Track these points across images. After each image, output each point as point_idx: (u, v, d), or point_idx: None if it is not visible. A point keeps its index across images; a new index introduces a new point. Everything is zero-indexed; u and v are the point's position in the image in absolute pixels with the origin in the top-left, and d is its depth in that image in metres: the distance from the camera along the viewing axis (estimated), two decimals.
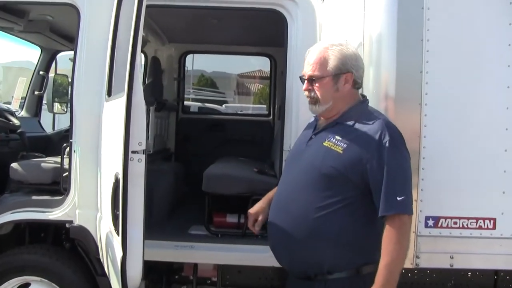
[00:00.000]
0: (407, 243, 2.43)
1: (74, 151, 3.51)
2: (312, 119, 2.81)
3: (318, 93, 2.58)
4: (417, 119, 3.14)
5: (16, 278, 3.69)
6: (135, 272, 2.70)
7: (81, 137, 3.49)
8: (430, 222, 3.15)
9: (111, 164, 2.91)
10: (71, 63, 3.56)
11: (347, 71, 2.56)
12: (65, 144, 3.68)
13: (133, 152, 2.62)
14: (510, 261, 3.22)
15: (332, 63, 2.55)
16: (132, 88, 2.58)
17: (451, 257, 3.18)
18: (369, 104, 2.70)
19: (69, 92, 3.60)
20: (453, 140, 3.19)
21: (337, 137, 2.51)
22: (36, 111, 5.42)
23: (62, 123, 7.00)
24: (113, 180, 2.81)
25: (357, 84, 2.62)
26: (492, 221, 3.14)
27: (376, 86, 3.23)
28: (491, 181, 3.17)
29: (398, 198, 2.39)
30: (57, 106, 5.34)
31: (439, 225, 3.15)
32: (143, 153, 2.67)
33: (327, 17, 4.07)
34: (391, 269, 2.35)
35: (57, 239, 3.96)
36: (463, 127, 3.19)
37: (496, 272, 3.55)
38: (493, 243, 3.15)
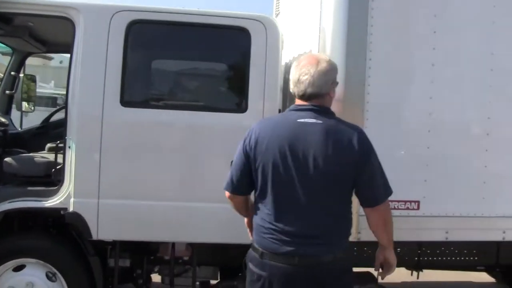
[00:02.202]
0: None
1: (69, 147, 4.46)
2: None
3: None
4: (360, 124, 4.28)
5: (12, 261, 4.54)
6: None
7: (78, 135, 4.44)
8: None
9: None
10: None
11: None
12: (59, 141, 4.66)
13: None
14: (430, 235, 4.49)
15: None
16: None
17: None
18: None
19: (65, 96, 4.55)
20: (388, 140, 4.35)
21: None
22: (7, 110, 6.29)
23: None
24: None
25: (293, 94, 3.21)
26: (416, 203, 4.38)
27: None
28: (416, 172, 4.40)
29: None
30: (24, 105, 6.22)
31: None
32: None
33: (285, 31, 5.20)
34: None
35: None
36: (396, 129, 4.41)
37: (420, 244, 4.80)
38: (417, 221, 4.39)
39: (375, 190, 3.11)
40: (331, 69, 3.14)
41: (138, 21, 4.55)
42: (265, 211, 3.08)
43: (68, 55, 4.68)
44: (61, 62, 42.66)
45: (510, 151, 4.65)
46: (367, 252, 4.55)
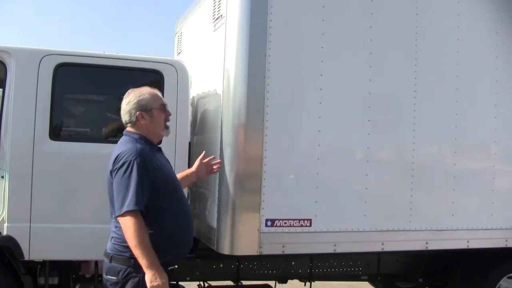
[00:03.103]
0: None
1: (2, 176, 5.13)
2: (146, 146, 4.02)
3: None
4: (259, 151, 5.19)
5: None
6: None
7: (11, 166, 5.12)
8: (269, 223, 5.19)
9: None
10: None
11: None
12: None
13: None
14: (321, 248, 5.44)
15: None
16: None
17: (283, 246, 5.27)
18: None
19: None
20: (284, 166, 5.29)
21: None
22: None
23: None
24: None
25: None
26: (309, 221, 5.32)
27: (233, 126, 5.23)
28: (308, 194, 5.34)
29: None
30: None
31: (275, 225, 5.21)
32: None
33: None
34: None
35: None
36: (290, 157, 5.32)
37: (312, 257, 5.85)
38: (309, 236, 5.33)
39: (116, 202, 3.78)
40: (131, 101, 4.03)
41: (64, 63, 5.35)
42: None
43: None
44: None
45: (386, 175, 5.72)
46: (265, 266, 5.50)
